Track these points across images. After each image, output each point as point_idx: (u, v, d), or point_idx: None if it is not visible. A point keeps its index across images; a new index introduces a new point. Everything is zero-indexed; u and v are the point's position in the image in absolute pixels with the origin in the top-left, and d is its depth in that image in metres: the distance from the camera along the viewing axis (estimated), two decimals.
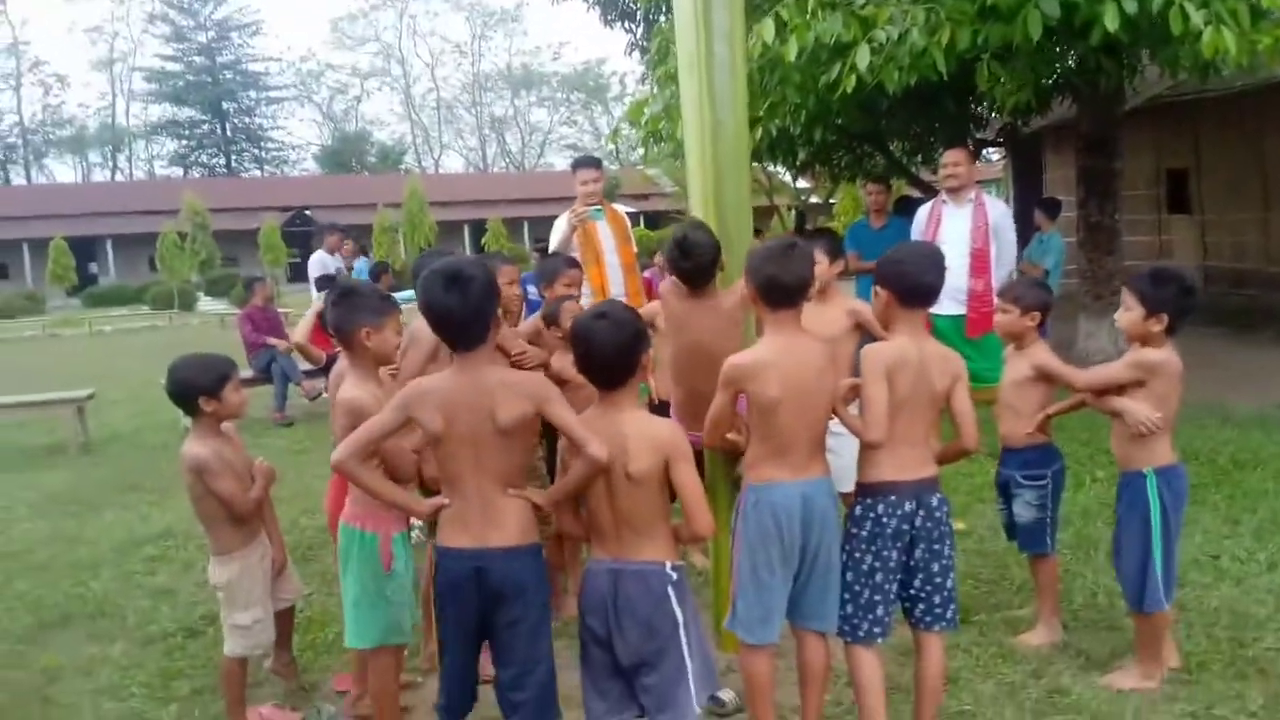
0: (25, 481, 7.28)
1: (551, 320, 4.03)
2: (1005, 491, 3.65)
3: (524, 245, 41.29)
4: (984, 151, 13.30)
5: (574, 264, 4.72)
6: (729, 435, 2.90)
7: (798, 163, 13.54)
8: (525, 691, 2.52)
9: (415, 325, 3.70)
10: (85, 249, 39.12)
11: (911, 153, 12.88)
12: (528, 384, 2.52)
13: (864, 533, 2.78)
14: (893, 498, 2.75)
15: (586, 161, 6.24)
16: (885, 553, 2.76)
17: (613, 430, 2.46)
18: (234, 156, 62.76)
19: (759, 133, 8.29)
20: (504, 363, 3.53)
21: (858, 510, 2.81)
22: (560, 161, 60.79)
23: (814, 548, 2.73)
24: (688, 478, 2.46)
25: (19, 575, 5.15)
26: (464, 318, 2.44)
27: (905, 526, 2.75)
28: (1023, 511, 3.55)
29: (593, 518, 2.54)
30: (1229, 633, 3.53)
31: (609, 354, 2.47)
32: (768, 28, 5.45)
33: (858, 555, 2.79)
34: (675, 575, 2.49)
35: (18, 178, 60.58)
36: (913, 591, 2.84)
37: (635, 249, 6.19)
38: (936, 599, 2.81)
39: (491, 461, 2.47)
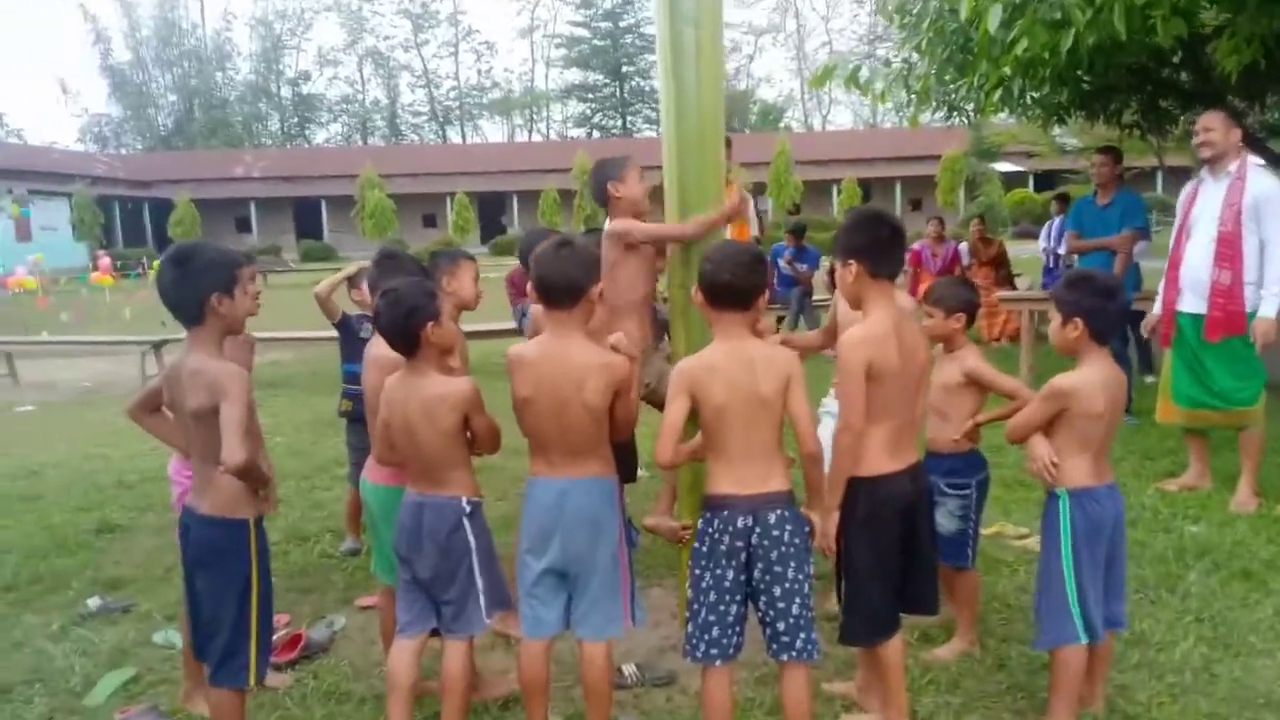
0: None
1: None
2: None
3: (894, 205, 40.27)
4: None
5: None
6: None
7: (1120, 121, 12.02)
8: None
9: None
10: (498, 203, 44.27)
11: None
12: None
13: (703, 549, 2.63)
14: (725, 513, 2.59)
15: None
16: (719, 571, 2.60)
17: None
18: (629, 118, 66.98)
19: (999, 93, 7.69)
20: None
21: (700, 524, 2.68)
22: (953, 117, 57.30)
23: (576, 549, 2.76)
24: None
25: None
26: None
27: (740, 544, 2.58)
28: (945, 521, 3.27)
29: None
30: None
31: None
32: None
33: (697, 572, 2.65)
34: (470, 508, 2.82)
35: (454, 136, 69.37)
36: (760, 616, 2.65)
37: (758, 232, 6.06)
38: (781, 626, 2.59)
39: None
